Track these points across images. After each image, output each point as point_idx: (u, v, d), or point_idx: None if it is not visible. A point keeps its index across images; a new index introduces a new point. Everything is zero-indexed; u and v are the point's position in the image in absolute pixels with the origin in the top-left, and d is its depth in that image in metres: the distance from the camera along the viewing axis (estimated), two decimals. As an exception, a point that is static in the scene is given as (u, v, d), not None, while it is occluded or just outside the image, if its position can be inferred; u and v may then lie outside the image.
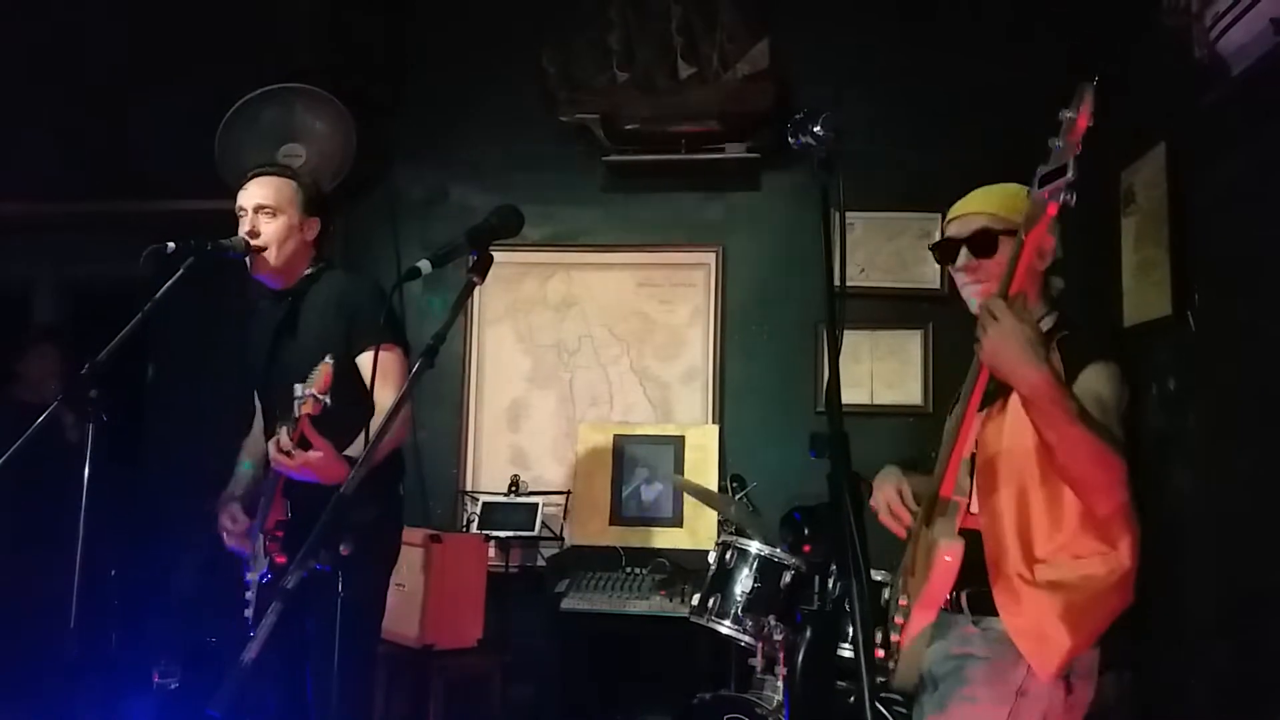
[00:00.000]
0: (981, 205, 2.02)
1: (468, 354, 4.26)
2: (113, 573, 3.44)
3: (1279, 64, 2.62)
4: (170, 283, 2.43)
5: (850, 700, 2.61)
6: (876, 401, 4.04)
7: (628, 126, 4.07)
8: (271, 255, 2.63)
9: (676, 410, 4.17)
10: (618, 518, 4.04)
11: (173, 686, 3.24)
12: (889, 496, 1.95)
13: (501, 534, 3.92)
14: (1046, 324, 1.92)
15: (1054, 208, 1.64)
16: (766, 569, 2.83)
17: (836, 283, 1.61)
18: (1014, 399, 1.83)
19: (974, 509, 1.85)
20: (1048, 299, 1.99)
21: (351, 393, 2.48)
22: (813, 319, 4.04)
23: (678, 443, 4.07)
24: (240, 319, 2.88)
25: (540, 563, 3.93)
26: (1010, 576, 1.78)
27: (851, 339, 4.06)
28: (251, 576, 2.51)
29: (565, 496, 4.06)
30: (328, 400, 2.14)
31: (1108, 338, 1.96)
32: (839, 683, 2.62)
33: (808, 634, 1.51)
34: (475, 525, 3.97)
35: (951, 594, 1.82)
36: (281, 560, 2.35)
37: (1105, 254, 3.65)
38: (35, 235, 4.29)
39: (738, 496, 3.49)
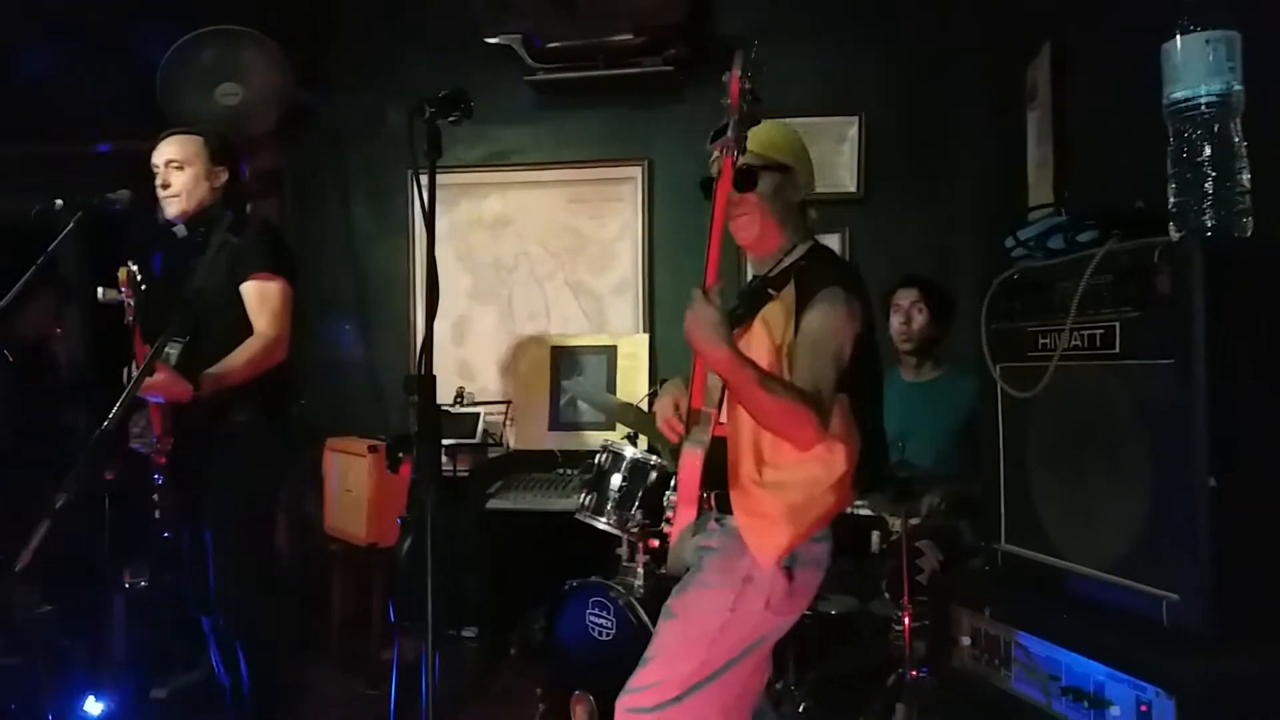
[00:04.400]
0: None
1: (411, 275, 4.50)
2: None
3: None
4: (61, 236, 2.70)
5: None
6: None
7: (549, 45, 4.16)
8: (181, 201, 2.90)
9: (610, 321, 4.37)
10: (556, 423, 4.29)
11: (142, 585, 3.64)
12: (663, 410, 2.13)
13: (446, 442, 4.21)
14: (793, 256, 2.08)
15: (727, 162, 1.81)
16: (636, 470, 3.05)
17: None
18: (758, 321, 2.02)
19: (724, 419, 2.03)
20: (802, 230, 2.13)
21: (235, 321, 2.81)
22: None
23: (610, 352, 4.27)
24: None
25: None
26: (743, 478, 1.98)
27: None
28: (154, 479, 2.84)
29: (507, 405, 4.32)
30: (131, 301, 2.55)
31: (840, 265, 2.08)
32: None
33: (408, 541, 1.69)
34: (421, 434, 4.27)
35: (704, 494, 2.00)
36: (163, 463, 2.69)
37: (1015, 152, 3.67)
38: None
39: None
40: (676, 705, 1.93)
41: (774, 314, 2.00)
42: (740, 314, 2.08)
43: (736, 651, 1.97)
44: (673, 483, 2.16)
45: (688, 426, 2.03)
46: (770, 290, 2.05)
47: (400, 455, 1.64)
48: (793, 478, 1.95)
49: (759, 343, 2.00)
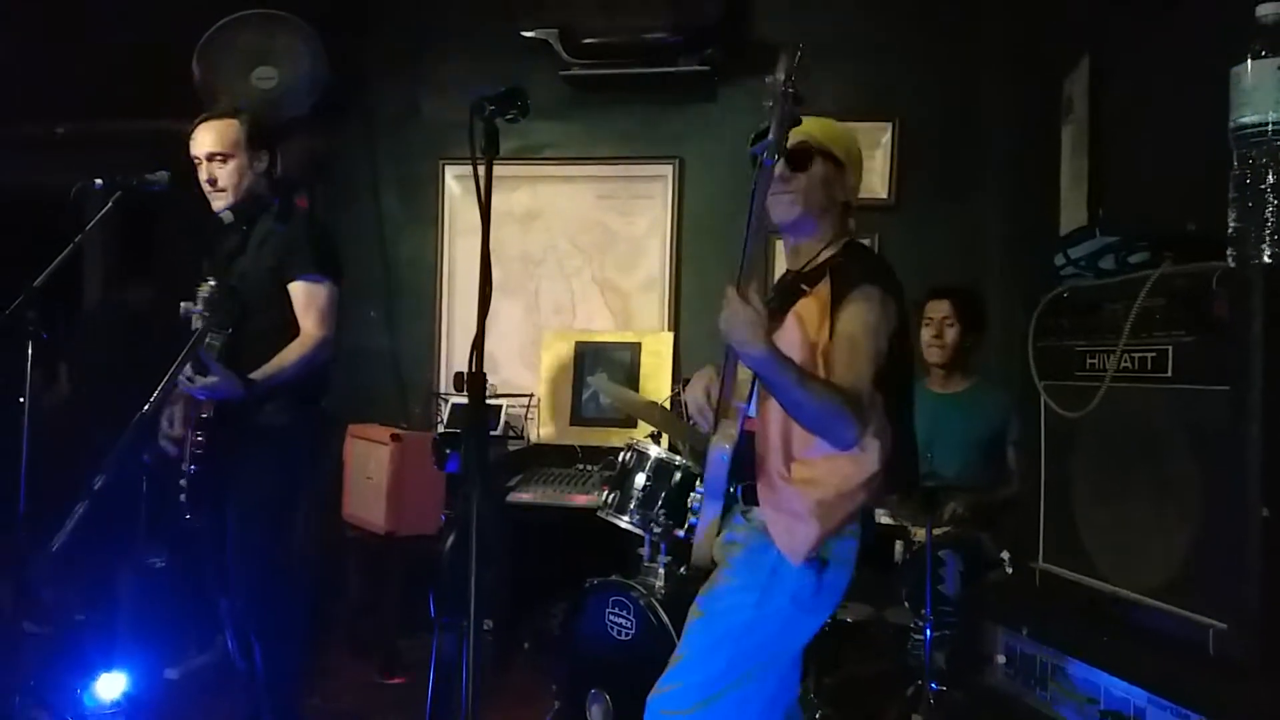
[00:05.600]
0: (805, 128, 2.07)
1: (440, 265, 4.51)
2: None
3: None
4: (100, 216, 2.71)
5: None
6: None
7: (585, 40, 4.16)
8: (228, 195, 2.89)
9: (635, 318, 4.36)
10: (578, 418, 4.30)
11: (159, 566, 3.66)
12: (694, 396, 2.12)
13: (467, 433, 4.21)
14: (829, 253, 2.06)
15: (770, 166, 1.79)
16: (660, 469, 3.05)
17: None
18: (791, 315, 1.99)
19: (753, 413, 2.02)
20: (840, 229, 2.12)
21: (279, 317, 2.81)
22: (766, 229, 4.15)
23: (635, 349, 4.27)
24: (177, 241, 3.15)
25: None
26: (771, 474, 1.96)
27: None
28: (184, 466, 2.84)
29: (529, 399, 4.32)
30: (206, 315, 2.59)
31: (875, 263, 2.06)
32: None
33: (452, 536, 1.70)
34: (444, 425, 4.28)
35: (730, 488, 1.98)
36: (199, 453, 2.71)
37: (1048, 164, 3.65)
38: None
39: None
40: (708, 707, 1.91)
41: (808, 310, 1.98)
42: (773, 308, 2.02)
43: (765, 652, 1.96)
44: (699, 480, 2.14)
45: (717, 420, 2.02)
46: (804, 286, 2.03)
47: (448, 451, 1.63)
48: (823, 475, 1.93)
49: (791, 338, 1.97)
